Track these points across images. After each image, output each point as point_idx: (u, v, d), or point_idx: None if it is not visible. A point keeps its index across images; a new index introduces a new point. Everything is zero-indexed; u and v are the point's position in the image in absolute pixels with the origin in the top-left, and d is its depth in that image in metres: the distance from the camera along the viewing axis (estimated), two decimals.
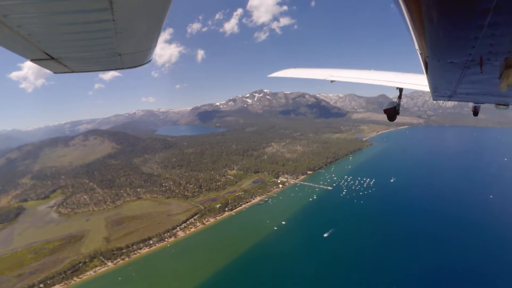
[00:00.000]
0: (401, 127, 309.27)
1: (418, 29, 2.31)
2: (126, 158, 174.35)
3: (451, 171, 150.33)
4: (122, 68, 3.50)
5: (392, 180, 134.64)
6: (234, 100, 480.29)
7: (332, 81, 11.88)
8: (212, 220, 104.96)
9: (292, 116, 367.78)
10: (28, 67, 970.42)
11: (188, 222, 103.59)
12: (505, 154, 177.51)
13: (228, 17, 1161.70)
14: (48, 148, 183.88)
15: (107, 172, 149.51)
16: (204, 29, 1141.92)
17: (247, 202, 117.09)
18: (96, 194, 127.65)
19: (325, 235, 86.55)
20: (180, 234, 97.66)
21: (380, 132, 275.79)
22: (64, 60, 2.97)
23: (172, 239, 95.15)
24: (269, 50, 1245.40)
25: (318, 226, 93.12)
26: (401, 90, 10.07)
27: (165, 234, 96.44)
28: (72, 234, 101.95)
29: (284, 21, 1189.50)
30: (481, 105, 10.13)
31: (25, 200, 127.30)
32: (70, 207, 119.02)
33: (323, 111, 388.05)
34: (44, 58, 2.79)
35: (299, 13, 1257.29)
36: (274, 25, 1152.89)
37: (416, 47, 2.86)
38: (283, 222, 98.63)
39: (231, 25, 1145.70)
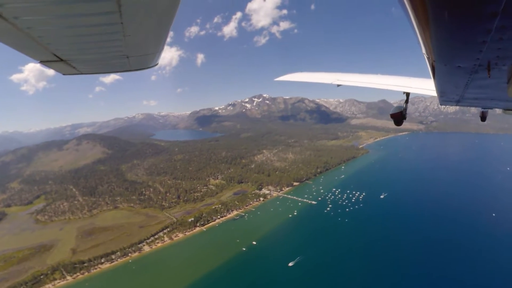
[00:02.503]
0: (401, 133, 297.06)
1: (425, 33, 2.30)
2: (115, 163, 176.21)
3: (449, 183, 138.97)
4: (130, 70, 3.58)
5: (382, 196, 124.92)
6: (233, 105, 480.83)
7: (338, 85, 11.77)
8: (181, 235, 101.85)
9: (291, 121, 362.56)
10: (29, 70, 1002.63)
11: (156, 236, 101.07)
12: (508, 163, 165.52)
13: (227, 21, 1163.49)
14: (42, 152, 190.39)
15: (92, 178, 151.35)
16: (204, 33, 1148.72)
17: (222, 217, 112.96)
18: (76, 202, 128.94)
19: (290, 264, 79.21)
20: (146, 249, 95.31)
21: (378, 139, 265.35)
22: (73, 62, 3.08)
23: (136, 254, 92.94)
24: (269, 55, 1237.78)
25: (288, 251, 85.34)
26: (408, 94, 10.04)
27: (131, 249, 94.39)
28: (42, 244, 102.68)
29: (284, 25, 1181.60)
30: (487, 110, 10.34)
31: (9, 206, 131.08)
32: (48, 214, 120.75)
33: (323, 116, 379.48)
34: (54, 60, 2.88)
35: (299, 17, 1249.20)
36: (274, 29, 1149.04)
37: (423, 51, 2.87)
38: (254, 242, 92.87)
39: (230, 29, 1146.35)
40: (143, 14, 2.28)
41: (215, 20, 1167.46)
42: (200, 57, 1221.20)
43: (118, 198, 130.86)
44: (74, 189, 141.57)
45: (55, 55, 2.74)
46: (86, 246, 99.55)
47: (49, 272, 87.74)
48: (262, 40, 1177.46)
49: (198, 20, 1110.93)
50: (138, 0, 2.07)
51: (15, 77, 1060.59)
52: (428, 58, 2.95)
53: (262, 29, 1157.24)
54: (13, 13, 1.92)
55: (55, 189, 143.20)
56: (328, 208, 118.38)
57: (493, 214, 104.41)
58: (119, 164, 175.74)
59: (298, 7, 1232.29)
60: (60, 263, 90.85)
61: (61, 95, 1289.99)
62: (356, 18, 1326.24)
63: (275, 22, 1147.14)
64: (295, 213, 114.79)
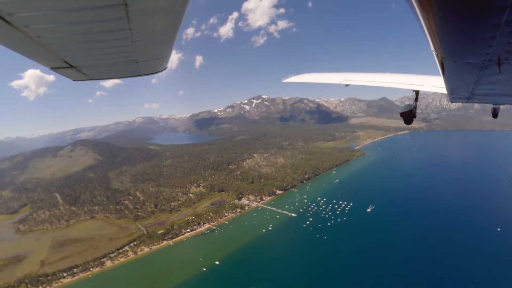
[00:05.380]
0: (401, 132, 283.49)
1: (433, 29, 2.31)
2: (104, 170, 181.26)
3: (447, 192, 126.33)
4: (139, 75, 3.79)
5: (369, 210, 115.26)
6: (232, 107, 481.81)
7: (346, 85, 12.08)
8: (146, 249, 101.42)
9: (290, 122, 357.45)
10: (29, 76, 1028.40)
11: (121, 250, 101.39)
12: None
13: (223, 21, 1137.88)
14: (37, 159, 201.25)
15: (78, 186, 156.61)
16: (200, 34, 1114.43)
17: (193, 230, 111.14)
18: (57, 211, 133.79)
19: None
20: (108, 264, 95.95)
21: (376, 139, 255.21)
22: (83, 68, 3.24)
23: (98, 269, 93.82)
24: (268, 55, 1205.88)
25: (247, 277, 79.49)
26: (417, 92, 10.30)
27: (93, 263, 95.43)
28: (16, 254, 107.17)
29: (282, 24, 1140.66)
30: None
31: None
32: (28, 224, 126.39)
33: (323, 116, 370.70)
34: (64, 67, 3.03)
35: (297, 15, 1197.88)
36: (272, 28, 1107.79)
37: (432, 48, 2.89)
38: (217, 262, 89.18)
39: (226, 30, 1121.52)
40: (150, 19, 2.36)
41: (211, 21, 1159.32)
42: (199, 59, 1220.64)
43: (97, 207, 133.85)
44: (59, 198, 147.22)
45: (65, 61, 2.87)
46: (55, 259, 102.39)
47: (15, 284, 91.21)
48: (260, 40, 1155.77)
49: (194, 22, 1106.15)
50: (145, 7, 2.13)
51: (16, 83, 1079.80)
52: (436, 55, 2.98)
53: (260, 28, 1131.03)
54: (23, 22, 2.01)
55: (41, 197, 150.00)
56: (307, 222, 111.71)
57: (498, 229, 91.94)
58: (108, 170, 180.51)
59: (295, 5, 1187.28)
60: (27, 275, 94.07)
61: (62, 100, 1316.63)
62: (356, 15, 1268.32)
63: (272, 22, 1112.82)
64: (270, 228, 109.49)
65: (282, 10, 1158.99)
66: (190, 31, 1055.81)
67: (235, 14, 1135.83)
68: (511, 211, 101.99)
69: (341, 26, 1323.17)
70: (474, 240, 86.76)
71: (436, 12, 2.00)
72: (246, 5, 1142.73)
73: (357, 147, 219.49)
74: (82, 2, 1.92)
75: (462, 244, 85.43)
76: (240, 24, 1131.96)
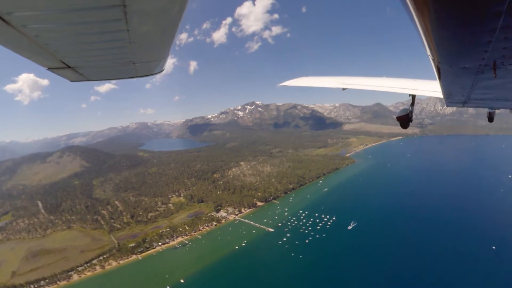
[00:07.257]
0: (394, 138, 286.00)
1: (429, 34, 2.37)
2: (90, 177, 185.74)
3: (439, 204, 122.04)
4: (136, 77, 3.89)
5: (350, 227, 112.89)
6: (225, 113, 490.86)
7: (344, 89, 12.43)
8: (114, 264, 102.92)
9: (284, 129, 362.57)
10: (23, 80, 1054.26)
11: (89, 264, 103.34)
12: (509, 169, 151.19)
13: (216, 27, 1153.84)
14: (26, 165, 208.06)
15: (60, 194, 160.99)
16: (194, 40, 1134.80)
17: (164, 244, 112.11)
18: (36, 220, 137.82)
19: None
20: (75, 277, 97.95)
21: (369, 146, 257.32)
22: (80, 69, 3.32)
23: (64, 282, 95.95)
24: (262, 61, 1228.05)
25: None
26: (413, 97, 10.57)
27: (61, 276, 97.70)
28: None
29: (276, 29, 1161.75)
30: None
31: None
32: (7, 232, 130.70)
33: (317, 122, 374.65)
34: (61, 67, 3.11)
35: (291, 21, 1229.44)
36: (266, 34, 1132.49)
37: (428, 52, 2.97)
38: (182, 280, 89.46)
39: (220, 35, 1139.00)
40: (148, 21, 2.43)
41: (204, 26, 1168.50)
42: (193, 65, 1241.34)
43: (74, 217, 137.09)
44: (40, 206, 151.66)
45: (62, 62, 2.93)
46: (26, 270, 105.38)
47: None
48: (254, 46, 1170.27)
49: (187, 27, 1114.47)
50: (143, 8, 2.19)
51: (9, 87, 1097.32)
52: (433, 59, 3.05)
53: (254, 34, 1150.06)
54: (21, 21, 2.05)
55: (24, 205, 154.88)
56: (284, 238, 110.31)
57: (493, 247, 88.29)
58: (93, 178, 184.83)
59: (289, 11, 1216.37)
60: None
61: (56, 105, 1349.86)
62: (351, 20, 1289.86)
63: (266, 27, 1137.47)
64: (243, 244, 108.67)
65: (276, 16, 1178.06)
66: (183, 36, 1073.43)
67: (228, 19, 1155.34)
68: (506, 224, 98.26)
69: (335, 31, 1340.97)
70: (468, 262, 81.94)
71: (433, 16, 2.04)
72: (239, 10, 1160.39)
73: (348, 155, 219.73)
74: (80, 2, 1.95)
75: (455, 267, 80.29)
76: (233, 29, 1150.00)
